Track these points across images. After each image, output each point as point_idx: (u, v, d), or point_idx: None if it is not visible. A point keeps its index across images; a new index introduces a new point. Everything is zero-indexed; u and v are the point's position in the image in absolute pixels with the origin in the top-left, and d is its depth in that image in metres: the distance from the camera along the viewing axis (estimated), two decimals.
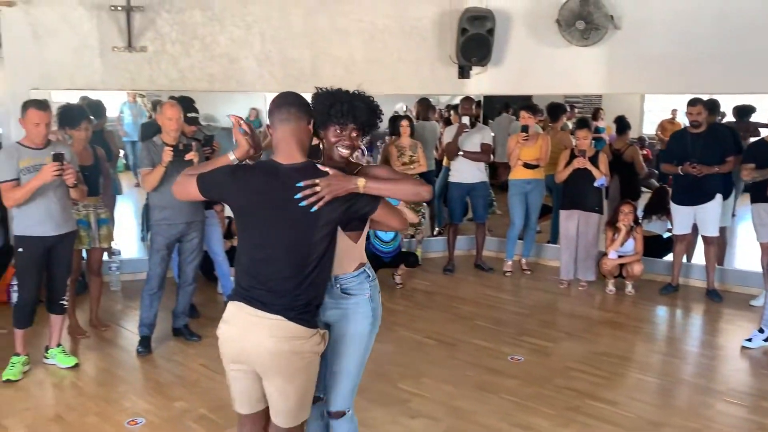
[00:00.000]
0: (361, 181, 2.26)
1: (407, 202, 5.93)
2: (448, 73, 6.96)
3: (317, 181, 2.22)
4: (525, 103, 6.73)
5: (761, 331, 4.62)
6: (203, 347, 4.61)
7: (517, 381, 4.10)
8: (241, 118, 2.54)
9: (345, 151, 2.41)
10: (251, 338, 2.28)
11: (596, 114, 8.31)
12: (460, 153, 6.52)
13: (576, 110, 8.72)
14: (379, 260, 6.03)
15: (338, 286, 2.45)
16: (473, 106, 6.65)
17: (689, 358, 4.66)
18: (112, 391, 3.97)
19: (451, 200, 6.73)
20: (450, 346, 4.74)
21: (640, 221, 6.00)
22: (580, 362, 4.40)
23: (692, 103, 5.66)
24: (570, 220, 6.09)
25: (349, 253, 2.43)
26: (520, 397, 3.87)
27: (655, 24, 6.11)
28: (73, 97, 6.52)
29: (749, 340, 4.65)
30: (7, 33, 5.54)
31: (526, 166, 6.39)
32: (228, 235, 6.12)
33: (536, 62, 6.73)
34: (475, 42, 6.54)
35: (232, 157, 2.47)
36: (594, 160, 5.93)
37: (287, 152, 2.30)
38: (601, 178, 5.92)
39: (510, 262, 6.64)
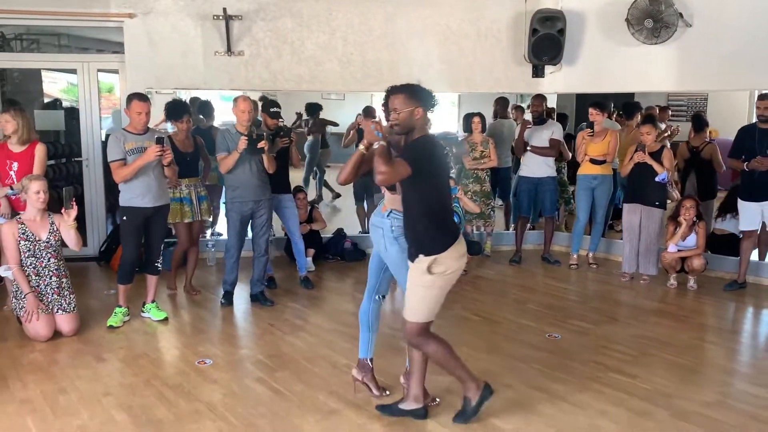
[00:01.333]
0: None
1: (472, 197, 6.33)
2: (522, 73, 7.26)
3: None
4: (595, 101, 6.87)
5: None
6: (274, 311, 5.24)
7: (547, 354, 4.39)
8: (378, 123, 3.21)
9: None
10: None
11: (663, 112, 8.14)
12: (529, 148, 6.80)
13: (670, 110, 8.60)
14: None
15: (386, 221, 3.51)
16: (543, 103, 6.91)
17: (731, 347, 4.68)
18: (191, 339, 4.69)
19: (520, 194, 7.00)
20: (495, 323, 5.08)
21: (703, 217, 5.99)
22: (616, 343, 4.59)
23: (762, 97, 5.63)
24: (632, 214, 6.19)
25: (397, 200, 3.38)
26: (546, 366, 4.16)
27: (726, 20, 6.11)
28: (185, 96, 7.45)
29: None
30: (129, 41, 6.51)
31: (593, 161, 6.56)
32: (309, 220, 6.79)
33: (608, 60, 6.88)
34: (546, 42, 6.79)
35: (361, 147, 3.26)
36: (657, 155, 6.01)
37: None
38: (662, 173, 5.98)
39: (575, 256, 6.81)
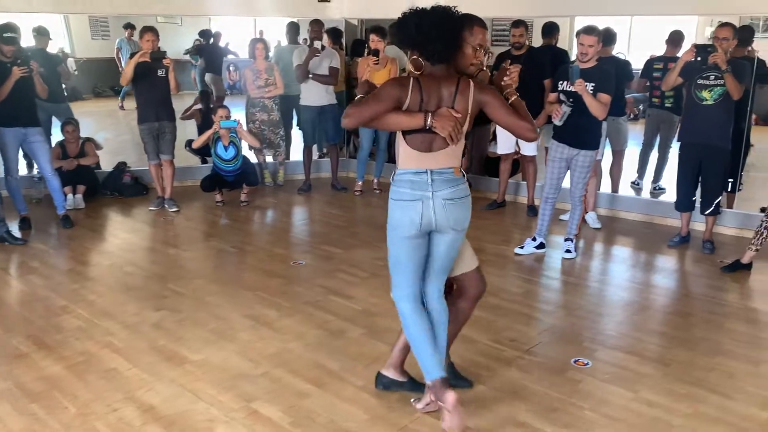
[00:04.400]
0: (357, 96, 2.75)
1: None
2: None
3: None
4: (374, 26, 6.81)
5: (534, 239, 4.95)
6: (15, 251, 4.94)
7: (280, 280, 4.45)
8: None
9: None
10: None
11: None
12: (310, 76, 6.69)
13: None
14: (221, 180, 6.32)
15: None
16: (322, 30, 6.78)
17: None
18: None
19: (303, 123, 6.94)
20: (247, 253, 5.08)
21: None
22: (354, 266, 4.72)
23: (515, 24, 5.82)
24: None
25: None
26: (270, 293, 4.21)
27: None
28: None
29: (521, 247, 4.98)
30: None
31: None
32: (80, 154, 6.41)
33: None
34: None
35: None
36: None
37: None
38: None
39: (360, 183, 6.91)
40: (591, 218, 5.78)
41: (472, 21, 2.62)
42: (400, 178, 2.66)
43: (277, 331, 3.70)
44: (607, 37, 5.57)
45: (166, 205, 6.16)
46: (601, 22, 5.21)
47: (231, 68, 9.25)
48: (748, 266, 4.67)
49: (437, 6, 2.54)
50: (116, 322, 3.79)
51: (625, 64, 6.02)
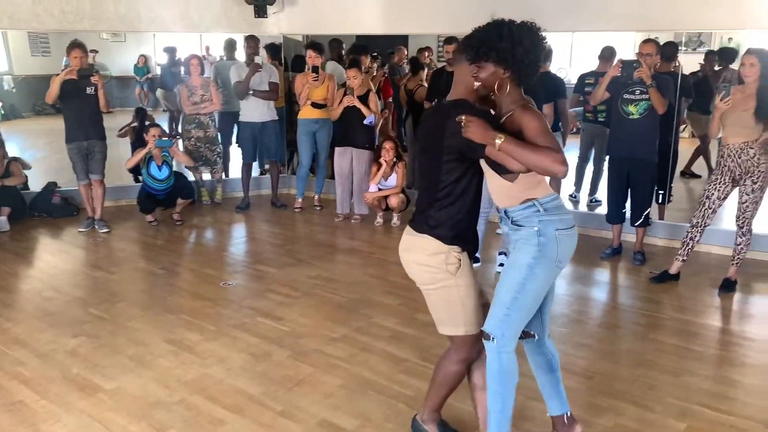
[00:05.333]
0: (499, 139, 2.23)
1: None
2: (243, 12, 7.00)
3: (464, 117, 2.27)
4: (311, 42, 6.78)
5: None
6: None
7: (207, 303, 4.32)
8: None
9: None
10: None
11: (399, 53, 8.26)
12: (250, 92, 6.61)
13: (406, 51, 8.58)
14: (155, 198, 6.16)
15: (509, 218, 2.48)
16: (258, 45, 6.72)
17: (395, 281, 4.66)
18: None
19: (242, 140, 6.84)
20: (176, 275, 4.94)
21: (403, 157, 6.21)
22: (286, 285, 4.63)
23: (447, 41, 5.87)
24: (343, 157, 6.28)
25: (508, 191, 2.44)
26: (195, 316, 4.08)
27: None
28: None
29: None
30: None
31: (315, 105, 6.51)
32: (5, 174, 6.18)
33: (328, 3, 6.82)
34: None
35: None
36: (365, 99, 6.10)
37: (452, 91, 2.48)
38: (370, 117, 6.10)
39: (300, 200, 6.83)
40: None
41: None
42: (553, 204, 2.42)
43: (198, 355, 3.58)
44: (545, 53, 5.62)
45: (96, 226, 5.97)
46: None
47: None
48: (676, 276, 4.75)
49: (533, 22, 2.35)
50: (29, 350, 3.62)
51: (560, 82, 6.03)
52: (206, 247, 5.89)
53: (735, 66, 5.97)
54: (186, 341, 3.75)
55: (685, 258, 4.69)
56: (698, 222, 4.59)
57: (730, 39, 6.59)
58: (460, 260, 2.48)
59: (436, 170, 2.42)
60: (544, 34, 2.35)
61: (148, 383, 3.28)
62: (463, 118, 2.26)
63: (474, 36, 2.35)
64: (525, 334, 2.60)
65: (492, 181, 2.45)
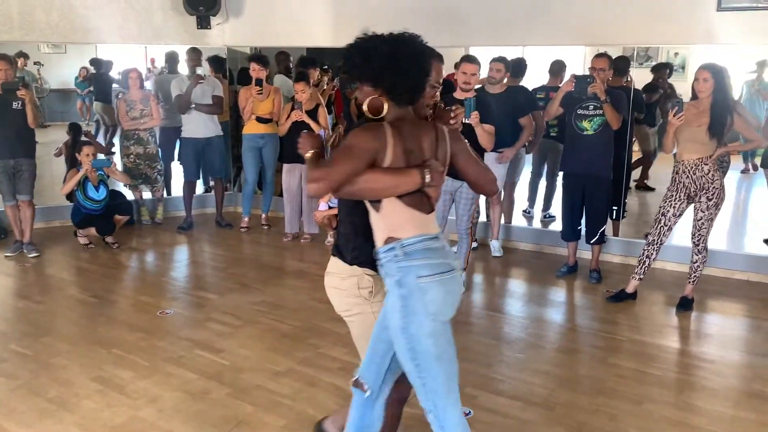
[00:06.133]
0: (309, 153, 2.12)
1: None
2: (185, 23, 6.71)
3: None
4: (255, 54, 6.55)
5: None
6: None
7: (142, 335, 3.99)
8: None
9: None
10: None
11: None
12: (193, 106, 6.30)
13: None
14: (90, 216, 5.78)
15: (378, 261, 2.12)
16: (200, 57, 6.44)
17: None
18: None
19: (184, 156, 6.52)
20: (109, 303, 4.59)
21: None
22: (228, 313, 4.34)
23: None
24: (291, 174, 6.03)
25: (375, 224, 2.11)
26: (128, 350, 3.76)
27: None
28: None
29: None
30: None
31: (260, 120, 6.25)
32: None
33: (275, 13, 6.59)
34: None
35: None
36: (314, 114, 5.87)
37: None
38: (320, 131, 5.86)
39: (246, 219, 6.53)
40: (494, 246, 5.73)
41: (432, 54, 2.17)
42: (414, 248, 2.04)
43: (128, 395, 3.27)
44: (516, 68, 5.65)
45: (24, 250, 5.56)
46: (497, 53, 5.26)
47: (120, 96, 8.74)
48: (633, 295, 4.65)
49: (408, 33, 2.09)
50: None
51: (531, 94, 5.83)
52: (144, 272, 5.54)
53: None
54: (115, 379, 3.43)
55: (641, 276, 4.59)
56: (654, 239, 4.50)
57: (676, 54, 6.61)
58: (372, 284, 2.24)
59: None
60: (425, 43, 2.11)
61: (69, 429, 2.96)
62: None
63: (345, 57, 2.13)
64: (357, 383, 2.27)
65: (370, 211, 2.15)
